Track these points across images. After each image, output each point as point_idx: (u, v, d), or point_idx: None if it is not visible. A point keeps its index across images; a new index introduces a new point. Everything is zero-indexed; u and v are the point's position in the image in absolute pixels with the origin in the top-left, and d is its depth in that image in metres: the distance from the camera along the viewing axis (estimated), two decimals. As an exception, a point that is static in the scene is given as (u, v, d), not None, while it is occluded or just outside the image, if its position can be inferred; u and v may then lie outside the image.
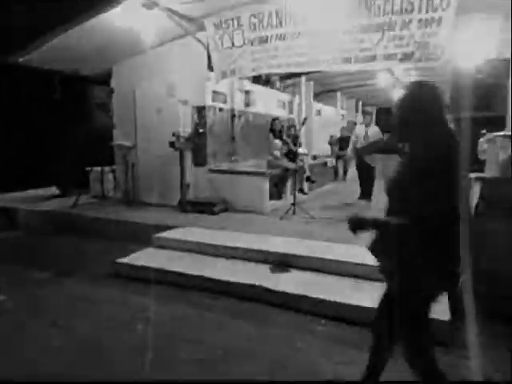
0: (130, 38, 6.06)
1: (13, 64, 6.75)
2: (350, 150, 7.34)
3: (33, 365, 2.70)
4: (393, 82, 11.51)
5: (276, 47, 5.62)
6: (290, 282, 3.66)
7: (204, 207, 6.31)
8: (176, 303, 3.64)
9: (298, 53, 5.52)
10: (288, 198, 6.74)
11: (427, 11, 4.66)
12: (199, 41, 6.46)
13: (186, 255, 4.50)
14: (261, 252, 4.20)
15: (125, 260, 4.32)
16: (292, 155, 7.09)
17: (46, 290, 4.00)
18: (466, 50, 5.22)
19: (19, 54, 6.53)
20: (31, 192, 8.34)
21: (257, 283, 3.61)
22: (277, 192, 6.77)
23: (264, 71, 6.00)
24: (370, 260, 1.92)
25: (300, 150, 7.11)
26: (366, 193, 6.57)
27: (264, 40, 5.66)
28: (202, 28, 6.22)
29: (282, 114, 9.21)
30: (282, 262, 4.03)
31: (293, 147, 7.28)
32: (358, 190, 7.19)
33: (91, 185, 7.77)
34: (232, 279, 3.76)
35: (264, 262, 4.14)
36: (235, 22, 5.79)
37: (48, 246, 5.63)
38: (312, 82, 10.93)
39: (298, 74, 9.91)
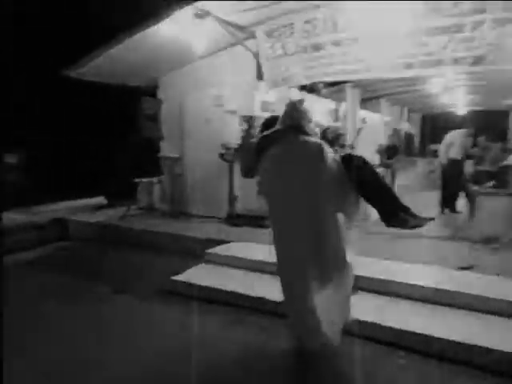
0: (179, 48, 6.03)
1: (66, 77, 6.91)
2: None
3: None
4: (443, 88, 10.93)
5: (331, 54, 5.37)
6: (359, 306, 3.35)
7: (253, 220, 6.11)
8: (235, 327, 3.44)
9: (354, 59, 5.25)
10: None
11: (504, 10, 4.27)
12: (248, 49, 6.32)
13: (241, 273, 4.30)
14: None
15: (180, 278, 4.18)
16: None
17: (107, 307, 3.92)
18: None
19: (73, 67, 6.67)
20: (81, 202, 8.50)
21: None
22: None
23: (318, 79, 5.76)
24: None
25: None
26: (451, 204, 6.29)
27: (318, 47, 5.43)
28: (251, 36, 6.08)
29: (328, 122, 8.91)
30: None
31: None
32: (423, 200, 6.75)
33: (139, 196, 7.79)
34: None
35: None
36: (287, 30, 5.60)
37: (101, 258, 5.61)
38: (357, 89, 10.55)
39: (344, 81, 9.59)
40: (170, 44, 5.94)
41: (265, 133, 2.87)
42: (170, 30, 5.50)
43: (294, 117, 2.78)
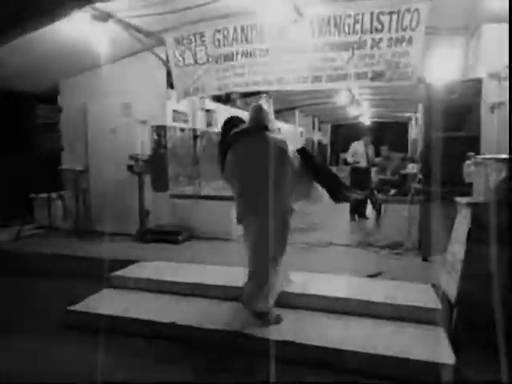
0: (78, 51, 5.51)
1: None
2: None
3: None
4: (350, 100, 11.65)
5: (242, 65, 5.32)
6: (277, 328, 3.25)
7: (167, 236, 5.77)
8: (139, 359, 3.10)
9: (265, 71, 5.25)
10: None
11: (397, 30, 4.58)
12: (158, 57, 6.02)
13: (151, 297, 3.95)
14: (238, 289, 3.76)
15: (78, 307, 3.69)
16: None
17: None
18: (437, 70, 5.21)
19: None
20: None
21: (238, 330, 3.18)
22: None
23: (230, 90, 5.66)
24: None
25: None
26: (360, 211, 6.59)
27: (229, 57, 5.34)
28: (161, 43, 5.80)
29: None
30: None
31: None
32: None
33: (36, 214, 6.94)
34: (207, 326, 3.29)
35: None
36: (198, 38, 5.43)
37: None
38: (272, 100, 10.77)
39: (259, 92, 9.70)
40: (67, 46, 5.37)
41: (235, 130, 3.43)
42: (68, 30, 4.99)
43: (259, 118, 3.43)
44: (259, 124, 3.39)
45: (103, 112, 6.42)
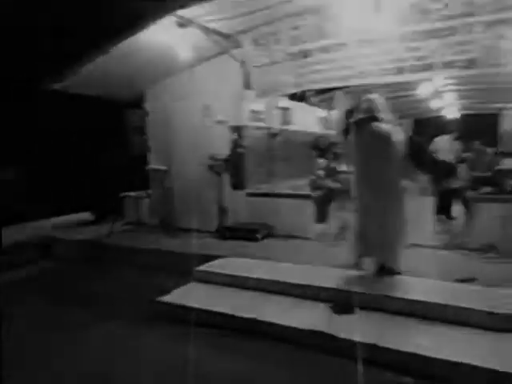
0: (164, 59, 5.87)
1: (48, 90, 6.71)
2: None
3: None
4: (433, 92, 10.88)
5: (319, 61, 5.24)
6: (357, 328, 3.15)
7: (245, 233, 5.90)
8: (226, 353, 3.21)
9: (344, 65, 5.11)
10: (334, 221, 6.23)
11: (493, 12, 4.16)
12: (235, 59, 6.17)
13: (234, 292, 4.07)
14: (319, 288, 3.72)
15: (167, 299, 3.94)
16: (334, 174, 6.60)
17: (88, 334, 3.67)
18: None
19: (56, 80, 6.47)
20: (67, 218, 8.22)
21: (319, 329, 3.13)
22: (320, 214, 6.28)
23: (307, 87, 5.61)
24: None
25: (342, 168, 6.63)
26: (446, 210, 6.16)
27: (306, 54, 5.29)
28: (237, 45, 5.94)
29: (319, 130, 8.80)
30: (346, 301, 3.53)
31: (334, 165, 6.80)
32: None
33: (126, 211, 7.54)
34: (288, 323, 3.30)
35: (318, 299, 3.66)
36: (274, 37, 5.46)
37: (86, 279, 5.36)
38: (349, 96, 10.46)
39: (334, 88, 9.48)
40: (155, 55, 5.78)
41: (350, 120, 4.06)
42: (155, 40, 5.34)
43: (371, 109, 3.87)
44: (371, 114, 3.84)
45: (185, 114, 6.76)
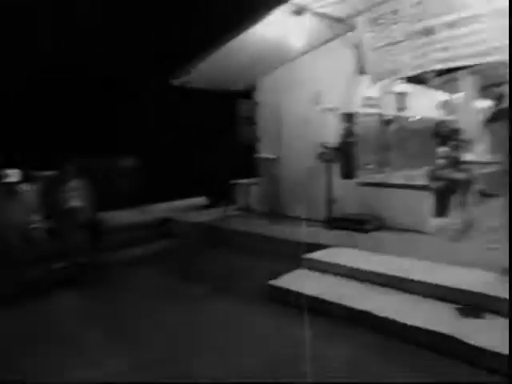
0: (277, 48, 5.92)
1: (172, 86, 7.33)
2: None
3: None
4: None
5: (444, 38, 4.74)
6: (487, 333, 2.83)
7: (354, 224, 5.73)
8: (338, 341, 3.17)
9: (474, 41, 4.55)
10: (457, 215, 5.65)
11: None
12: (347, 43, 5.95)
13: (344, 282, 4.00)
14: (441, 288, 3.43)
15: (278, 283, 4.05)
16: (457, 163, 5.97)
17: (205, 306, 3.98)
18: None
19: (177, 76, 7.04)
20: (185, 202, 8.96)
21: (445, 331, 2.89)
22: (441, 208, 5.75)
23: (429, 68, 5.14)
24: None
25: (469, 157, 5.97)
26: None
27: (428, 32, 4.84)
28: (350, 29, 5.71)
29: (440, 115, 8.03)
30: (475, 304, 3.19)
31: (456, 154, 6.14)
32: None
33: (237, 197, 7.93)
34: (405, 321, 3.11)
35: (442, 299, 3.37)
36: (393, 16, 5.11)
37: (201, 258, 5.82)
38: (475, 76, 9.32)
39: (458, 68, 8.52)
40: (269, 44, 5.87)
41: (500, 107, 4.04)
42: (268, 30, 5.44)
43: None
44: None
45: (295, 103, 6.78)
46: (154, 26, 9.92)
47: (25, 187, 4.99)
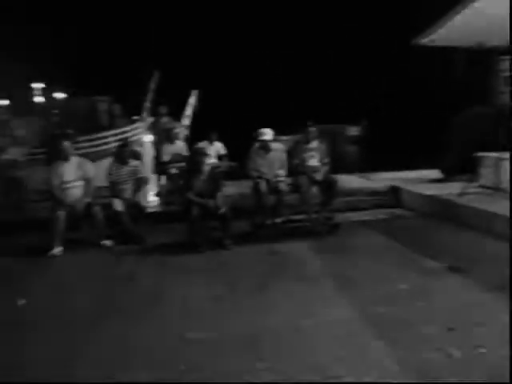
0: None
1: (415, 46, 6.85)
2: None
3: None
4: None
5: None
6: None
7: None
8: None
9: None
10: None
11: None
12: None
13: None
14: None
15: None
16: None
17: (436, 283, 3.71)
18: None
19: (423, 35, 6.51)
20: (415, 173, 8.40)
21: None
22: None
23: None
24: None
25: None
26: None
27: None
28: None
29: None
30: None
31: None
32: None
33: (481, 172, 6.83)
34: None
35: None
36: None
37: (433, 232, 5.39)
38: None
39: None
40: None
41: None
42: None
43: None
44: None
45: None
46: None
47: (276, 145, 5.72)
